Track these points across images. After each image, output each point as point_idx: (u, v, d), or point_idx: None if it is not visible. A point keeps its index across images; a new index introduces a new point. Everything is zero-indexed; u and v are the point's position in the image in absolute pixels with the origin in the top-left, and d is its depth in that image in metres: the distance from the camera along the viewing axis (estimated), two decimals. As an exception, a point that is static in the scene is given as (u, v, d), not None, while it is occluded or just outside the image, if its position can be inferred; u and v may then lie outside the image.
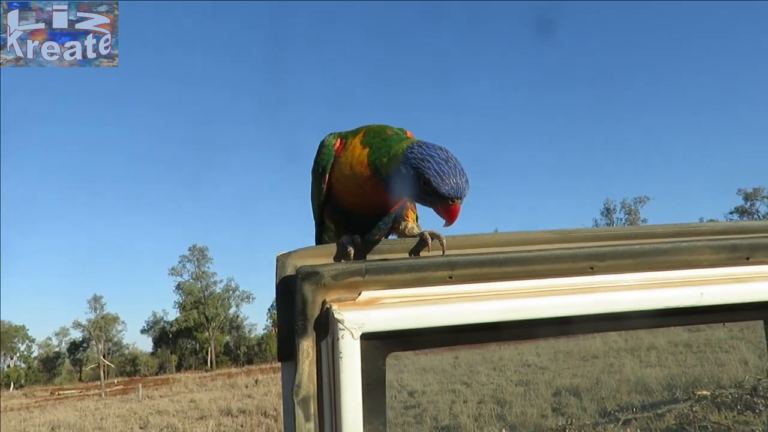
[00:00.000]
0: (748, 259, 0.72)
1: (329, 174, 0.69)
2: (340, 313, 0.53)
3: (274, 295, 0.58)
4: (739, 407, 7.67)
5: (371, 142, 0.67)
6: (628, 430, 7.66)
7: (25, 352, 75.08)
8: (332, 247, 0.55)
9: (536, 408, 8.89)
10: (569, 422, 8.01)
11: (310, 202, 0.75)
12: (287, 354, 0.59)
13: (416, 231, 0.75)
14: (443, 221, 0.71)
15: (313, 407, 0.58)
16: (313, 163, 0.72)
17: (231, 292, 73.56)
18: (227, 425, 15.38)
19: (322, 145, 0.70)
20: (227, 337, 75.42)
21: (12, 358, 74.11)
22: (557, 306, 0.69)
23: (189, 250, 71.80)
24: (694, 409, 7.94)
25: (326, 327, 0.57)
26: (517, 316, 0.66)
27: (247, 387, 27.14)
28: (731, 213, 64.54)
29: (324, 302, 0.56)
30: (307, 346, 0.56)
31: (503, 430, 7.81)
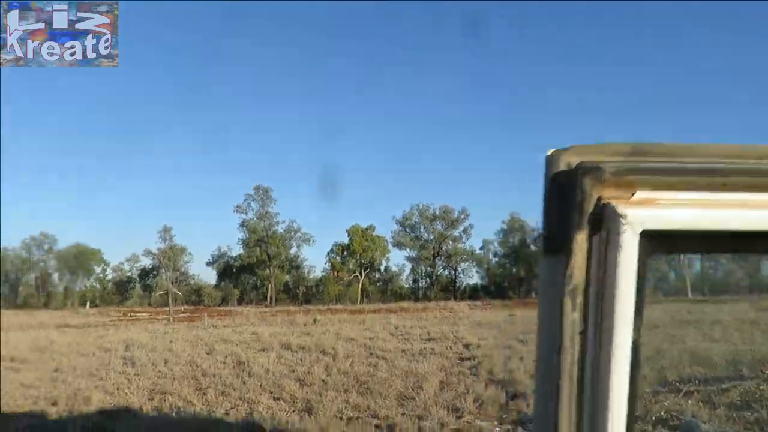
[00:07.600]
0: None
1: None
2: (622, 208, 0.54)
3: (543, 190, 0.60)
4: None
5: None
6: (690, 401, 7.54)
7: (101, 275, 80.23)
8: (603, 146, 0.55)
9: (596, 370, 8.79)
10: (629, 388, 7.91)
11: None
12: (554, 247, 0.61)
13: None
14: None
15: (580, 298, 0.60)
16: None
17: (293, 233, 75.01)
18: (288, 358, 16.01)
19: None
20: (287, 276, 77.54)
21: (88, 279, 79.43)
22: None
23: (254, 189, 73.58)
24: (761, 387, 7.69)
25: (601, 222, 0.58)
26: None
27: (305, 325, 28.07)
28: None
29: (600, 198, 0.57)
30: (581, 239, 0.58)
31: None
